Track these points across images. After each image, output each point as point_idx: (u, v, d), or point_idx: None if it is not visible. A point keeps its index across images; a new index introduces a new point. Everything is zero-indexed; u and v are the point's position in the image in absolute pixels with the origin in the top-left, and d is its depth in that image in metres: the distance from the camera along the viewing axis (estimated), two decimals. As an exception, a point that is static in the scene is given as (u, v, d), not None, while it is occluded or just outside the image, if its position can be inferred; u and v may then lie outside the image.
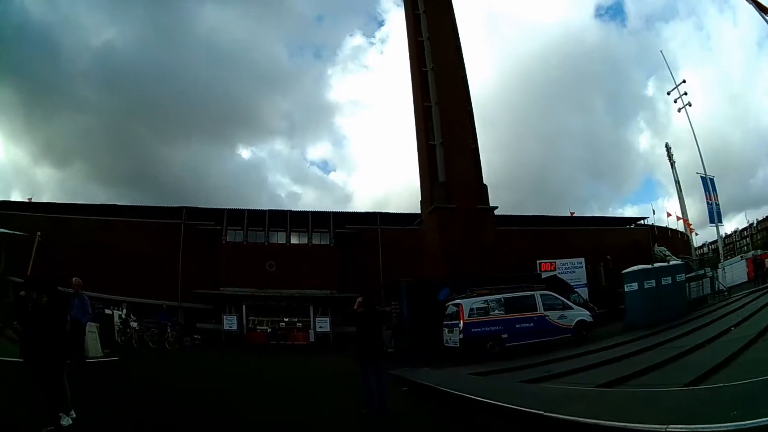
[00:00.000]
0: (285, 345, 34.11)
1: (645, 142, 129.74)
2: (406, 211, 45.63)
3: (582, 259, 33.25)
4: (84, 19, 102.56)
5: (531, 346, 16.68)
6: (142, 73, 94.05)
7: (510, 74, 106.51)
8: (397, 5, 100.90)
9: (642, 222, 51.49)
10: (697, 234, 48.88)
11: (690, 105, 34.72)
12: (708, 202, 33.97)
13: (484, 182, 34.10)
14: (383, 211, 47.09)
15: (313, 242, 43.85)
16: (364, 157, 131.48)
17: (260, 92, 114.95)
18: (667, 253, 36.51)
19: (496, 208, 34.02)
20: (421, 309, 20.63)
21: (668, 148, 40.97)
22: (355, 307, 8.79)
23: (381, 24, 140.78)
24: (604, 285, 32.21)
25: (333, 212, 45.29)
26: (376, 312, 8.79)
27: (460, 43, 36.94)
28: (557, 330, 17.42)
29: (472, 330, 16.95)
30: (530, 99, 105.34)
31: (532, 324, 17.27)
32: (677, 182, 40.06)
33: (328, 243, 43.71)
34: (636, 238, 46.60)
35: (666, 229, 49.64)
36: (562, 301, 18.53)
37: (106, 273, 38.08)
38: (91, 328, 14.37)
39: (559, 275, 28.89)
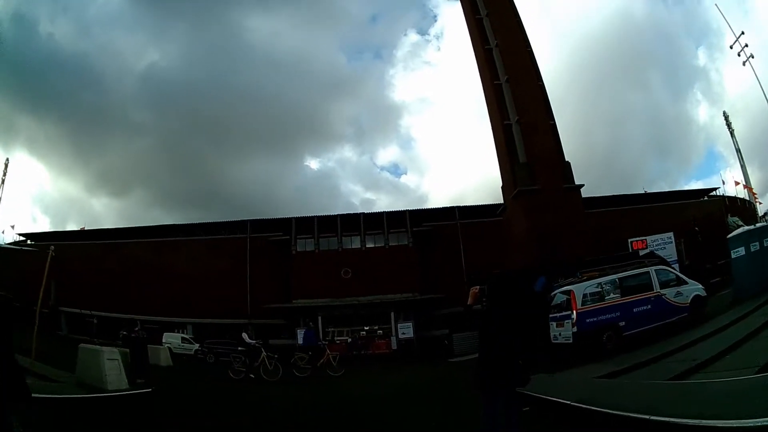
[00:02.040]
0: (366, 355, 31.34)
1: (703, 113, 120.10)
2: (485, 203, 42.19)
3: (671, 234, 30.47)
4: (122, 45, 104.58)
5: (649, 332, 13.46)
6: (195, 91, 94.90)
7: (566, 56, 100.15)
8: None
9: (714, 193, 47.62)
10: (760, 203, 44.97)
11: (753, 57, 31.42)
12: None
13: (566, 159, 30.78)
14: (461, 204, 43.41)
15: (390, 244, 40.91)
16: (434, 155, 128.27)
17: (322, 100, 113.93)
18: (740, 223, 34.78)
19: (583, 186, 30.45)
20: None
21: (726, 117, 39.48)
22: (469, 301, 5.38)
23: (434, 18, 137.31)
24: (686, 263, 28.11)
25: (409, 210, 42.38)
26: (508, 307, 5.43)
27: (520, 18, 33.92)
28: (675, 309, 14.10)
29: (587, 320, 13.66)
30: (589, 79, 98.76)
31: (649, 306, 13.91)
32: (738, 150, 38.32)
33: (406, 243, 40.75)
34: (710, 210, 42.66)
35: (735, 198, 45.86)
36: (676, 274, 15.20)
37: (167, 295, 37.78)
38: (112, 355, 11.89)
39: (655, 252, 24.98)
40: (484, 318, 5.25)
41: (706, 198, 47.18)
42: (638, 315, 13.59)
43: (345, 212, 42.68)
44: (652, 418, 5.14)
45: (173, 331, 35.53)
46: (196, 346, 31.11)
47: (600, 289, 13.97)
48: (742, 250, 15.70)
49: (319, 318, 36.38)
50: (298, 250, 40.02)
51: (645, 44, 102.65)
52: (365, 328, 36.71)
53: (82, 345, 12.52)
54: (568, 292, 14.10)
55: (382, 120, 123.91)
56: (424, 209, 44.41)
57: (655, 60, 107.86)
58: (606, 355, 12.40)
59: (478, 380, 5.02)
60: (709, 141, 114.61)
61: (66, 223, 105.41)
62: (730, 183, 46.60)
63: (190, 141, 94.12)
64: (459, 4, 36.74)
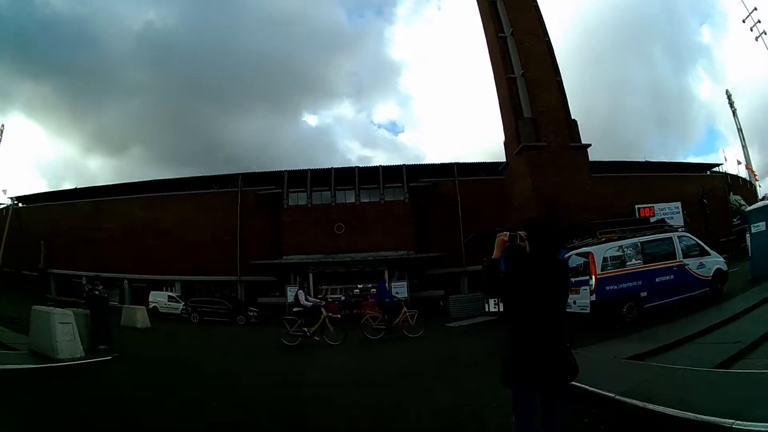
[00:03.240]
0: (358, 314, 30.23)
1: (705, 90, 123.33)
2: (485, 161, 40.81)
3: (679, 204, 30.63)
4: (118, 7, 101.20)
5: (669, 306, 12.12)
6: (192, 48, 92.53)
7: (571, 22, 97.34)
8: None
9: (717, 169, 46.24)
10: (760, 185, 46.91)
11: (766, 33, 30.58)
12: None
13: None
14: (460, 161, 41.65)
15: (386, 199, 39.18)
16: (433, 114, 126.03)
17: (321, 56, 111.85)
18: (743, 202, 37.23)
19: (590, 145, 29.10)
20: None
21: (729, 95, 41.10)
22: (495, 253, 3.65)
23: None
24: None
25: (406, 165, 40.50)
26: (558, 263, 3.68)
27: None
28: (697, 283, 12.81)
29: (607, 288, 12.13)
30: (593, 45, 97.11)
31: (672, 276, 12.53)
32: (740, 130, 40.21)
33: (402, 199, 38.96)
34: (712, 186, 41.59)
35: (737, 177, 45.76)
36: (699, 243, 13.67)
37: (156, 252, 36.98)
38: (65, 317, 10.48)
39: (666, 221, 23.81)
40: (522, 275, 3.51)
41: (708, 173, 45.82)
42: (661, 285, 12.24)
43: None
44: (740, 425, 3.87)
45: (161, 290, 34.59)
46: (183, 304, 29.93)
47: (621, 253, 12.51)
48: (762, 225, 14.41)
49: (311, 275, 35.25)
50: (290, 204, 38.40)
51: (650, 16, 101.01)
52: (359, 286, 35.57)
53: (35, 307, 11.00)
54: (585, 254, 12.50)
55: (380, 77, 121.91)
56: (422, 164, 42.53)
57: (660, 33, 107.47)
58: (623, 331, 10.91)
59: (513, 371, 3.42)
60: (710, 118, 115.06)
61: (62, 184, 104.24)
62: (729, 162, 45.91)
63: (187, 98, 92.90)
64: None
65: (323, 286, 36.04)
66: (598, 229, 14.66)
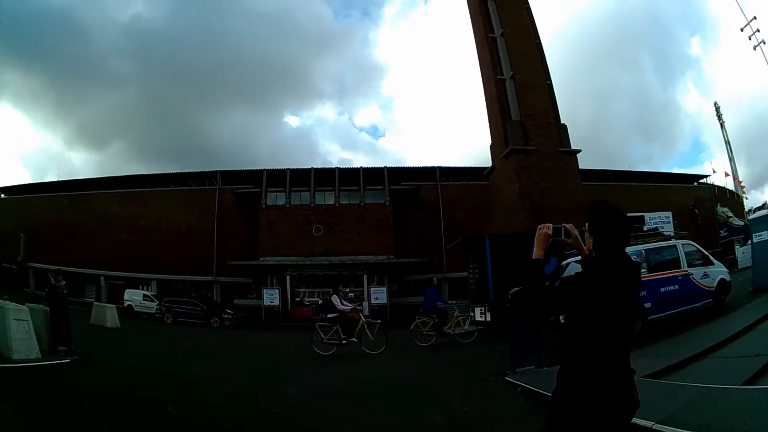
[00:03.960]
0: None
1: (691, 102, 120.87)
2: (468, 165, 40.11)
3: (670, 213, 29.88)
4: None
5: (673, 318, 11.43)
6: (177, 42, 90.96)
7: (559, 28, 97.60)
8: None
9: (704, 180, 46.25)
10: (747, 198, 47.35)
11: (765, 43, 31.22)
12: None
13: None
14: (443, 165, 41.03)
15: (366, 202, 38.32)
16: (415, 120, 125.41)
17: (305, 55, 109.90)
18: (730, 214, 37.15)
19: (579, 151, 28.57)
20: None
21: (717, 108, 41.36)
22: (535, 253, 2.78)
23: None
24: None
25: (388, 168, 39.70)
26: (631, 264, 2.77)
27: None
28: (701, 294, 12.13)
29: None
30: (579, 52, 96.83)
31: (677, 286, 11.81)
32: (727, 142, 42.65)
33: (383, 202, 38.12)
34: (700, 197, 41.62)
35: (725, 189, 45.33)
36: (703, 252, 13.09)
37: (132, 249, 36.02)
38: (20, 314, 9.48)
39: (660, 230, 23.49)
40: (588, 283, 2.62)
41: (696, 184, 45.93)
42: (665, 296, 11.52)
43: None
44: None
45: (137, 288, 33.51)
46: (157, 304, 28.79)
47: (624, 262, 11.78)
48: (765, 234, 13.95)
49: (288, 277, 34.32)
50: (269, 204, 37.38)
51: (638, 24, 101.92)
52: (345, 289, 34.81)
53: (-13, 302, 9.94)
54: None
55: (364, 79, 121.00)
56: (404, 167, 42.07)
57: (647, 43, 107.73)
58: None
59: (562, 410, 2.54)
60: (695, 130, 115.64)
61: (45, 176, 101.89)
62: (717, 174, 46.26)
63: (170, 93, 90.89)
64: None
65: (301, 289, 35.24)
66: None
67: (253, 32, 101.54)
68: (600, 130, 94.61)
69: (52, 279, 11.39)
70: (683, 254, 12.24)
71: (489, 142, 30.93)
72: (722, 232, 37.18)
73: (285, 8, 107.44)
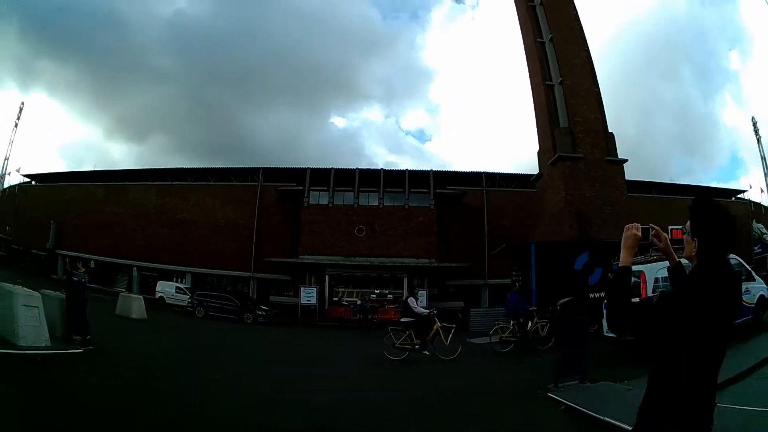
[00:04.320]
0: (374, 320, 29.69)
1: (728, 116, 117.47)
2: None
3: None
4: None
5: None
6: (221, 39, 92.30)
7: (605, 38, 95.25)
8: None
9: (742, 195, 44.79)
10: None
11: None
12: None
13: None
14: (489, 171, 40.13)
15: (410, 204, 37.76)
16: (462, 125, 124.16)
17: (352, 56, 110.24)
18: (765, 230, 36.48)
19: (626, 161, 27.79)
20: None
21: (754, 123, 40.36)
22: (622, 260, 2.32)
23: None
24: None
25: (433, 171, 39.15)
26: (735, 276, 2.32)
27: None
28: (743, 310, 10.99)
29: None
30: (623, 65, 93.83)
31: None
32: (763, 158, 39.69)
33: (428, 205, 37.51)
34: (736, 212, 37.98)
35: (760, 205, 43.52)
36: (746, 268, 12.35)
37: (169, 241, 36.49)
38: (30, 300, 9.25)
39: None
40: (707, 294, 2.08)
41: (733, 199, 44.10)
42: (706, 312, 10.56)
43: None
44: None
45: (171, 280, 33.80)
46: (189, 296, 28.91)
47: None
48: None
49: (327, 277, 34.10)
50: (311, 202, 37.26)
51: (679, 37, 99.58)
52: (375, 291, 34.22)
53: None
54: (636, 273, 10.87)
55: (411, 83, 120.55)
56: (449, 171, 41.03)
57: (688, 56, 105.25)
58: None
59: None
60: (733, 144, 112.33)
61: (82, 166, 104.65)
62: (754, 189, 44.57)
63: (212, 88, 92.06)
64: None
65: (339, 289, 35.09)
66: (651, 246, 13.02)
67: (300, 31, 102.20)
68: (642, 141, 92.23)
69: (68, 268, 11.29)
70: (725, 269, 11.20)
71: (536, 148, 30.28)
72: (756, 248, 36.42)
73: (332, 7, 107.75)
